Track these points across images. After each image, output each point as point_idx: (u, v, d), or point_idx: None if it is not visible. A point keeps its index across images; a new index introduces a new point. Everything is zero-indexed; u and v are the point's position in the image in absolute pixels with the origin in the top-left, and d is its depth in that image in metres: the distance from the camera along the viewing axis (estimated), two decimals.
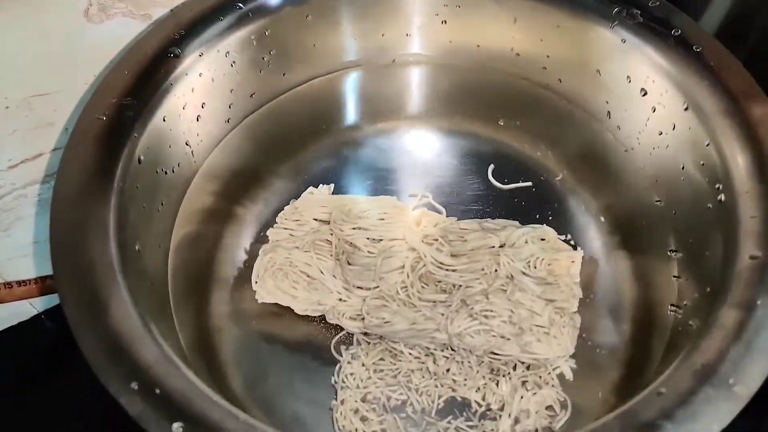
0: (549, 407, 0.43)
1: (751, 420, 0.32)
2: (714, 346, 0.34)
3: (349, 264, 0.48)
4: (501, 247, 0.48)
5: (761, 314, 0.34)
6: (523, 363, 0.44)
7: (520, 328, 0.44)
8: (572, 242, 0.50)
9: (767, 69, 0.45)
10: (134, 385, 0.32)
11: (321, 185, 0.53)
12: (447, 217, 0.51)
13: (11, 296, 0.48)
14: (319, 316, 0.47)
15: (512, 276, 0.46)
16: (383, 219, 0.50)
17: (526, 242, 0.49)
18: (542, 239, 0.49)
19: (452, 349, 0.45)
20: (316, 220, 0.50)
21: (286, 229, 0.50)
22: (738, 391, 0.32)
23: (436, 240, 0.49)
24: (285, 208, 0.51)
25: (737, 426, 0.31)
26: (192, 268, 0.47)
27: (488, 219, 0.51)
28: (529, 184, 0.52)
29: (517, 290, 0.46)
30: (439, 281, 0.47)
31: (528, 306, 0.45)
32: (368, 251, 0.48)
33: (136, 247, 0.40)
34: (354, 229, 0.49)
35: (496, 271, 0.47)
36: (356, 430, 0.42)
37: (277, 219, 0.51)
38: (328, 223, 0.50)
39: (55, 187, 0.38)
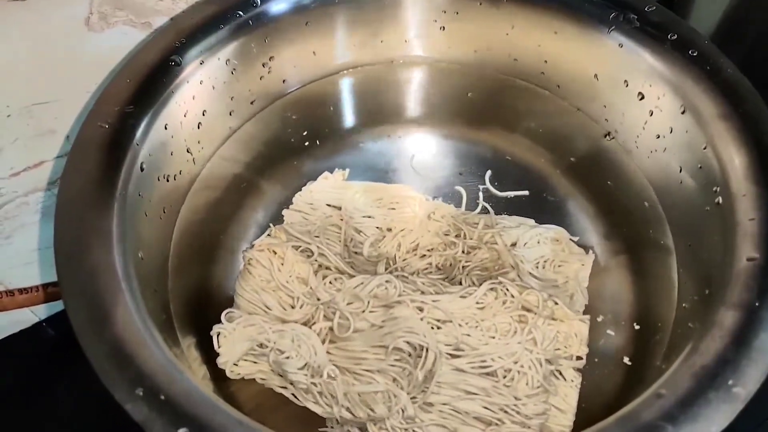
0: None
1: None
2: (713, 347, 0.34)
3: (355, 253, 0.48)
4: (513, 245, 0.48)
5: (759, 315, 0.34)
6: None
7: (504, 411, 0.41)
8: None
9: (762, 71, 0.45)
10: (139, 392, 0.32)
11: (337, 169, 0.53)
12: (459, 210, 0.51)
13: (13, 304, 0.48)
14: None
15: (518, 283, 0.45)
16: (394, 209, 0.50)
17: (538, 242, 0.48)
18: (556, 240, 0.49)
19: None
20: (329, 205, 0.51)
21: (299, 211, 0.51)
22: (737, 392, 0.32)
23: (447, 234, 0.49)
24: (302, 188, 0.52)
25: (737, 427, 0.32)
26: (192, 274, 0.47)
27: (504, 215, 0.51)
28: (527, 192, 0.52)
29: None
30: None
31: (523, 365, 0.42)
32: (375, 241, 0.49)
33: (140, 255, 0.40)
34: (364, 217, 0.50)
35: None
36: None
37: (294, 199, 0.52)
38: (340, 209, 0.50)
39: (59, 195, 0.38)
